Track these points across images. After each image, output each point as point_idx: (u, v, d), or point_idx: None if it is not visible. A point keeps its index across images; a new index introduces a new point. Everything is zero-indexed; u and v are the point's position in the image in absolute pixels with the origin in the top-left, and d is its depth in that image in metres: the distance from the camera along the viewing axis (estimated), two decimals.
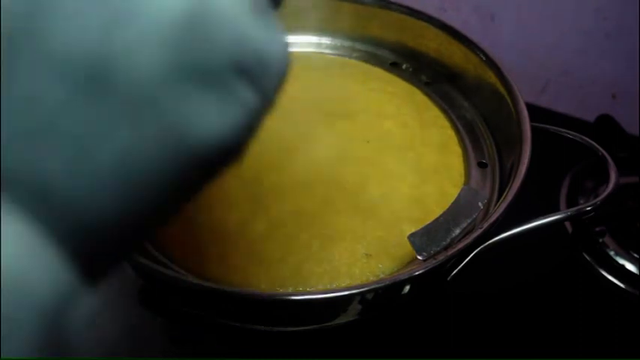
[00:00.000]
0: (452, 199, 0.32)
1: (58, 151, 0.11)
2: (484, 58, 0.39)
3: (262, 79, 0.13)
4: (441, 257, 0.27)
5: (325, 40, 0.46)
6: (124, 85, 0.11)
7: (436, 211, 0.31)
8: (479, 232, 0.28)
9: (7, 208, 0.11)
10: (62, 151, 0.11)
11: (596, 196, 0.31)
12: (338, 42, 0.46)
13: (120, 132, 0.11)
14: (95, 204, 0.12)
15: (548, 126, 0.36)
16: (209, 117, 0.12)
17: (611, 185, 0.32)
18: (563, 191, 0.44)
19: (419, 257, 0.29)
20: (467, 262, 0.29)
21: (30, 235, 0.11)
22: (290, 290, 0.29)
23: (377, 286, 0.27)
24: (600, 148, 0.35)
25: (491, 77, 0.39)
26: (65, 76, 0.11)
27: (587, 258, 0.40)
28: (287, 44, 0.14)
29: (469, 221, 0.31)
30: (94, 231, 0.12)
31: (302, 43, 0.46)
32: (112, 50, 0.11)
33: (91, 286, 0.12)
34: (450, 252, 0.27)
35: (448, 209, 0.31)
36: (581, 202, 0.43)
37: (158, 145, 0.12)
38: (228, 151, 0.13)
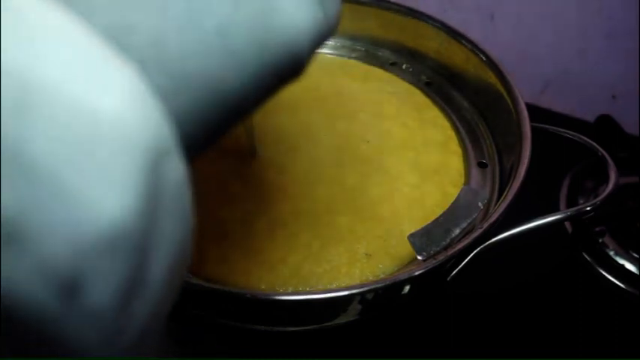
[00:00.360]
0: (452, 199, 0.32)
1: (173, 11, 0.14)
2: (484, 59, 0.39)
3: (326, 2, 0.17)
4: (441, 257, 0.27)
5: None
6: None
7: (436, 211, 0.32)
8: (479, 232, 0.28)
9: (122, 59, 0.12)
10: (177, 12, 0.14)
11: (596, 196, 0.31)
12: (338, 42, 0.46)
13: (224, 6, 0.14)
14: (198, 63, 0.14)
15: (548, 126, 0.37)
16: (291, 12, 0.16)
17: (610, 185, 0.32)
18: (563, 191, 0.44)
19: (419, 257, 0.29)
20: (467, 262, 0.29)
21: (139, 85, 0.12)
22: (290, 290, 0.29)
23: (377, 286, 0.27)
24: (600, 148, 0.35)
25: (492, 77, 0.39)
26: None
27: (587, 258, 0.40)
28: None
29: (469, 221, 0.31)
30: (195, 95, 0.14)
31: None
32: None
33: (183, 155, 0.13)
34: (450, 252, 0.28)
35: (448, 209, 0.31)
36: (581, 202, 0.43)
37: (251, 23, 0.15)
38: (297, 57, 0.16)
